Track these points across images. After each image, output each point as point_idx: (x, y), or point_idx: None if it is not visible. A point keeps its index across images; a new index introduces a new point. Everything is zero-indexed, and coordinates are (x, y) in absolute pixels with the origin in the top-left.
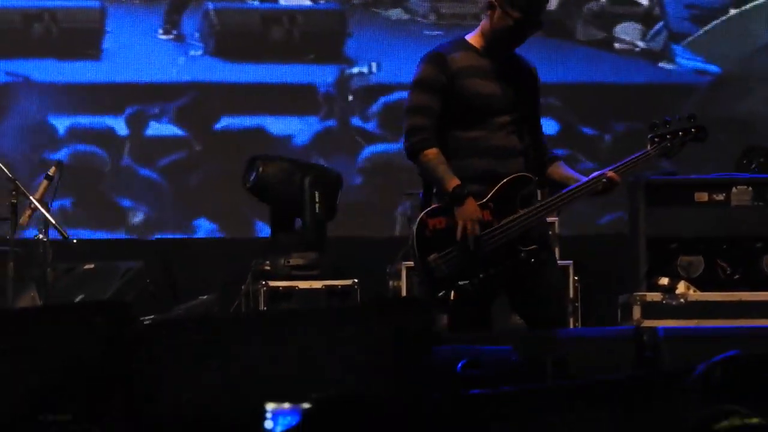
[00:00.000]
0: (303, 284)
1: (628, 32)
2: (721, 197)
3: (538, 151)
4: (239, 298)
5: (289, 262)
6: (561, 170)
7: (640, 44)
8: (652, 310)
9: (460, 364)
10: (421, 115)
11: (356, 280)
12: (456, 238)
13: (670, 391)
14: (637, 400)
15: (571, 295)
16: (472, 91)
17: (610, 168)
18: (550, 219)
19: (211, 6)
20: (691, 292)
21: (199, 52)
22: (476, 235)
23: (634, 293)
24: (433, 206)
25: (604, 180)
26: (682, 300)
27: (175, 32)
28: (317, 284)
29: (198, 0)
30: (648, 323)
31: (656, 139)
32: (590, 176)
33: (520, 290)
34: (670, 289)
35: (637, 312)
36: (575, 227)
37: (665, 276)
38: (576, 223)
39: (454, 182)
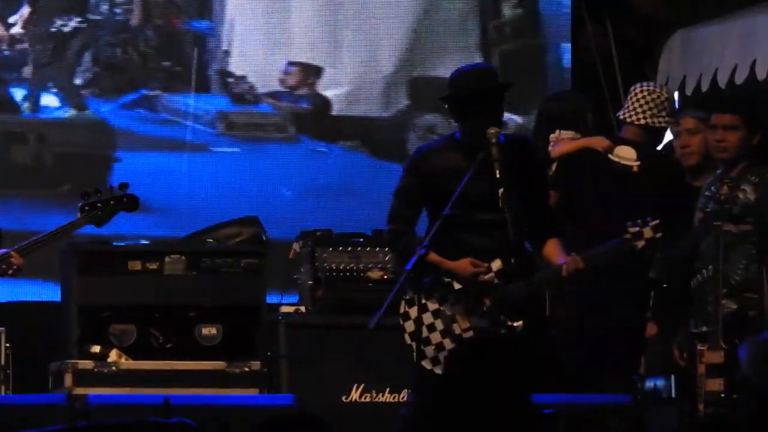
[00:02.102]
0: None
1: None
2: (154, 266)
3: None
4: None
5: None
6: None
7: None
8: (83, 378)
9: None
10: None
11: None
12: None
13: None
14: None
15: (2, 362)
16: None
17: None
18: None
19: None
20: (122, 360)
21: None
22: None
23: (66, 361)
24: None
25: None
26: (113, 368)
27: None
28: None
29: None
30: (79, 391)
31: (87, 208)
32: None
33: None
34: (101, 357)
35: (68, 379)
36: (5, 294)
37: (97, 344)
38: (8, 291)
39: None
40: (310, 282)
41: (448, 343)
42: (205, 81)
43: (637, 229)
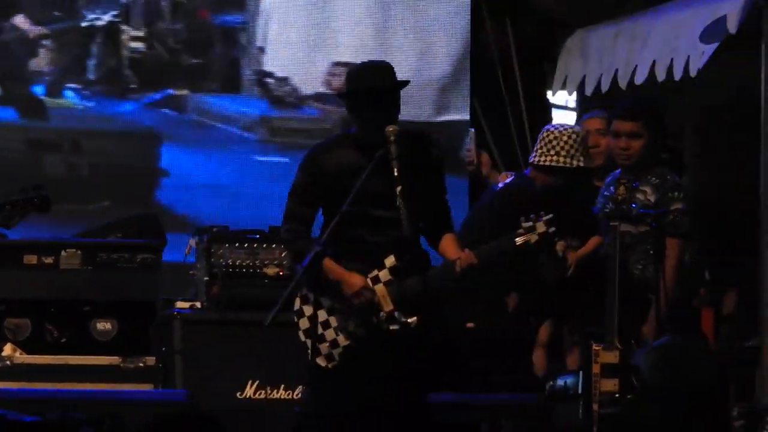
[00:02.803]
0: None
1: None
2: (50, 260)
3: None
4: None
5: None
6: None
7: None
8: None
9: None
10: None
11: None
12: None
13: None
14: None
15: None
16: None
17: None
18: None
19: None
20: (17, 354)
21: None
22: None
23: None
24: None
25: None
26: (8, 362)
27: None
28: None
29: None
30: None
31: None
32: None
33: None
34: None
35: None
36: None
37: None
38: None
39: None
40: (206, 278)
41: (342, 340)
42: (238, 81)
43: (530, 224)
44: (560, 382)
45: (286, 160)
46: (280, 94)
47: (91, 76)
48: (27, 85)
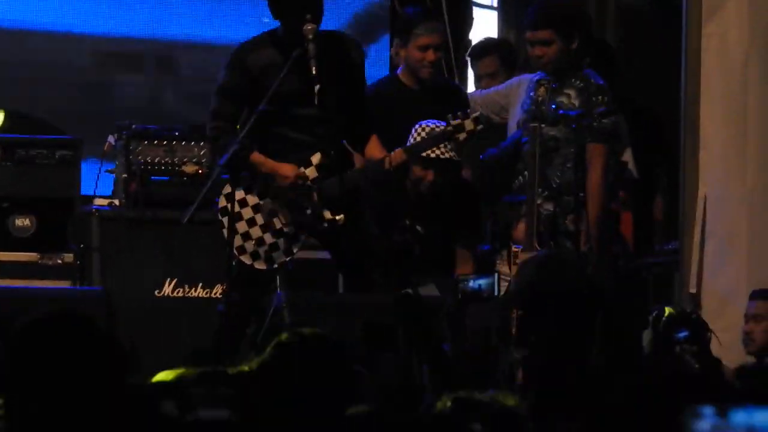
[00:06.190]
0: None
1: None
2: None
3: None
4: None
5: None
6: None
7: None
8: None
9: None
10: None
11: None
12: None
13: None
14: None
15: None
16: None
17: None
18: None
19: None
20: None
21: None
22: None
23: None
24: None
25: None
26: None
27: None
28: None
29: None
30: None
31: None
32: None
33: None
34: None
35: None
36: None
37: None
38: None
39: None
40: (124, 175)
41: (268, 238)
42: None
43: (458, 121)
44: (473, 284)
45: None
46: None
47: None
48: None
